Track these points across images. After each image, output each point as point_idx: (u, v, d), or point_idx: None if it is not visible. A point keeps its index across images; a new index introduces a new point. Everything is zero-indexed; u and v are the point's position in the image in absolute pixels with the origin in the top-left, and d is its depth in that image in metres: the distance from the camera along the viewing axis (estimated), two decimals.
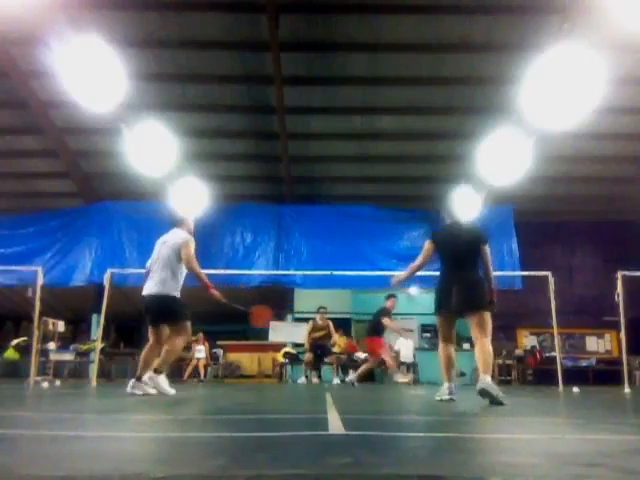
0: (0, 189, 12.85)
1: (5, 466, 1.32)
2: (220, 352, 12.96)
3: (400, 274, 5.21)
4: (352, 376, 9.59)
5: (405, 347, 12.37)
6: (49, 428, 2.29)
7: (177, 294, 5.19)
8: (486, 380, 4.17)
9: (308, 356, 11.50)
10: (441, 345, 4.82)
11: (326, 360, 11.64)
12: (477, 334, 4.57)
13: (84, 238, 12.12)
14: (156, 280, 5.13)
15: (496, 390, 4.12)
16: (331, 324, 11.35)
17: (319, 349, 11.31)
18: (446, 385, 4.67)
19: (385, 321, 9.21)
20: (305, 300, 13.53)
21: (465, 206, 11.46)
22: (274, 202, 13.04)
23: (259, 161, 12.51)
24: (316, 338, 11.25)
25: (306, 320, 13.43)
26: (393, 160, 12.25)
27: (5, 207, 12.86)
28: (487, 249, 4.68)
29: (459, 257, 4.66)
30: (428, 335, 14.90)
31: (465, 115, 10.68)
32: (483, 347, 4.48)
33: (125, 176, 11.67)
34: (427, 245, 4.87)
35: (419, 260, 4.90)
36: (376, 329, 9.27)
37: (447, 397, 4.59)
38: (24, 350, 11.40)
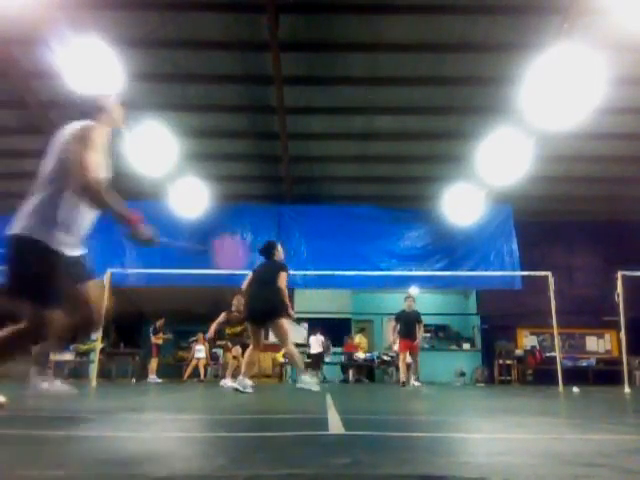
0: (0, 189, 12.85)
1: (5, 466, 1.32)
2: (220, 352, 12.97)
3: None
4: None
5: None
6: (49, 428, 2.28)
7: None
8: (303, 378, 5.87)
9: (234, 353, 9.45)
10: (252, 348, 5.98)
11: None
12: (279, 341, 6.03)
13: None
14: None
15: (309, 384, 5.77)
16: None
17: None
18: (249, 382, 5.80)
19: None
20: (305, 300, 13.54)
21: (464, 206, 11.50)
22: (274, 202, 13.04)
23: (259, 161, 12.51)
24: (234, 334, 9.51)
25: (306, 320, 13.44)
26: (393, 160, 12.25)
27: (5, 207, 12.85)
28: (282, 274, 6.03)
29: (261, 284, 6.11)
30: (427, 335, 14.92)
31: (465, 115, 10.68)
32: (288, 351, 5.93)
33: (125, 176, 11.67)
34: (250, 275, 6.46)
35: (245, 284, 6.40)
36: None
37: (249, 390, 5.67)
38: None
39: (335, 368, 13.50)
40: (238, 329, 9.37)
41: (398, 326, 9.83)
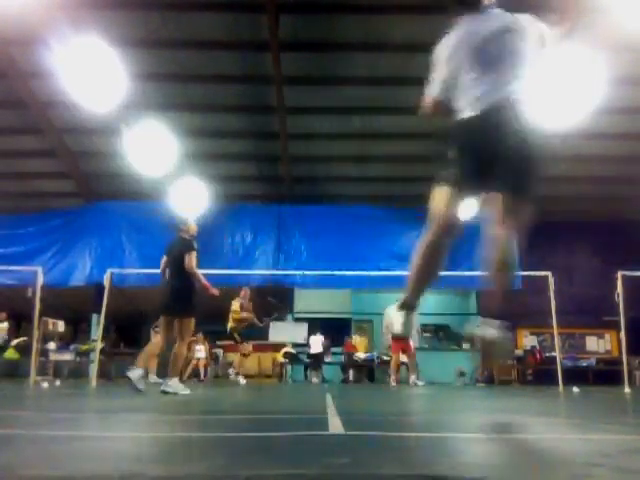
0: (0, 189, 12.86)
1: (5, 466, 1.32)
2: (220, 352, 12.96)
3: None
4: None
5: None
6: (49, 428, 2.28)
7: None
8: (171, 383, 5.18)
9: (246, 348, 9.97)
10: (157, 342, 5.77)
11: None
12: (177, 337, 5.43)
13: (84, 238, 12.13)
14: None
15: (140, 384, 5.09)
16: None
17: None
18: (177, 380, 5.36)
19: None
20: (305, 300, 13.53)
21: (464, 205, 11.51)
22: (274, 202, 13.03)
23: (259, 161, 12.50)
24: (238, 320, 9.73)
25: (306, 320, 13.43)
26: (393, 160, 12.24)
27: (5, 207, 12.87)
28: (188, 255, 5.42)
29: (171, 268, 5.55)
30: (428, 335, 14.89)
31: None
32: (174, 350, 5.38)
33: (125, 176, 11.67)
34: (164, 258, 5.74)
35: (162, 267, 5.74)
36: None
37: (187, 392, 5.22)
38: (24, 350, 11.40)
39: (335, 368, 13.48)
40: (244, 314, 9.64)
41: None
